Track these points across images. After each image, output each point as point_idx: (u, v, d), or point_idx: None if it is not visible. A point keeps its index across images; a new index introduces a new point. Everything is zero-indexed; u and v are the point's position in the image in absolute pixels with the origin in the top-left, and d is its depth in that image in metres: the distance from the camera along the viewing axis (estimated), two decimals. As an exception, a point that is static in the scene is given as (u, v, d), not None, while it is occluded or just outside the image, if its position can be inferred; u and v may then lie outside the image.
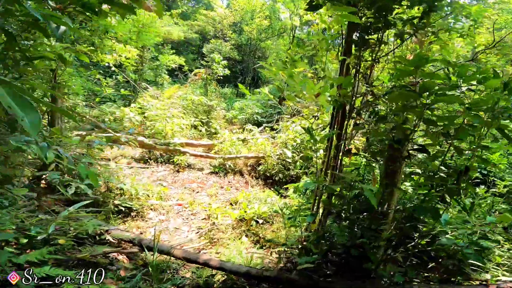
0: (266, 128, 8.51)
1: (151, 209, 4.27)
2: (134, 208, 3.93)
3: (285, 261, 2.94)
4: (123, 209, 3.77)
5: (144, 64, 9.74)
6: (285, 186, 5.39)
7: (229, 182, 6.54)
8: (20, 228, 2.40)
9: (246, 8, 17.09)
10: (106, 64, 5.55)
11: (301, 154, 5.93)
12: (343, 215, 2.59)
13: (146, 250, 2.83)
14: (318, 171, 2.91)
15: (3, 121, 2.49)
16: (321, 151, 2.94)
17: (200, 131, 8.48)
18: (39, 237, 2.31)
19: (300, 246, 2.83)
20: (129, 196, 4.07)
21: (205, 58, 12.54)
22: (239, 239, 3.74)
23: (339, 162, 2.62)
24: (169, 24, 12.85)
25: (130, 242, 2.93)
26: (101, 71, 8.02)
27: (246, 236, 3.82)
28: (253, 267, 2.71)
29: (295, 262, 2.77)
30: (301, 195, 4.43)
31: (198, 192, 5.64)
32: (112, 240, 2.97)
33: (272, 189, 6.08)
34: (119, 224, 3.68)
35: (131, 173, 6.19)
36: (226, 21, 17.67)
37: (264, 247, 3.70)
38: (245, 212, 4.00)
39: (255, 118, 9.77)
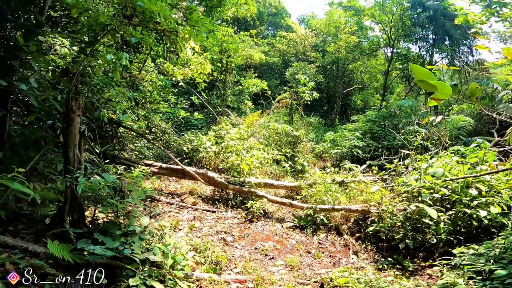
0: (373, 167, 6.12)
1: (196, 294, 2.60)
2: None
3: None
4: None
5: (226, 88, 8.96)
6: (438, 264, 2.77)
7: (319, 243, 4.48)
8: None
9: (330, 26, 15.47)
10: (174, 78, 4.66)
11: (450, 212, 3.41)
12: None
13: None
14: None
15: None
16: None
17: (283, 167, 6.74)
18: None
19: None
20: (165, 268, 2.50)
21: (288, 84, 11.22)
22: None
23: None
24: (250, 46, 12.24)
25: None
26: (173, 90, 7.35)
27: None
28: None
29: None
30: None
31: (272, 258, 3.83)
32: None
33: (389, 259, 3.72)
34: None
35: (193, 218, 4.84)
36: (307, 42, 16.42)
37: None
38: None
39: (355, 153, 7.46)
